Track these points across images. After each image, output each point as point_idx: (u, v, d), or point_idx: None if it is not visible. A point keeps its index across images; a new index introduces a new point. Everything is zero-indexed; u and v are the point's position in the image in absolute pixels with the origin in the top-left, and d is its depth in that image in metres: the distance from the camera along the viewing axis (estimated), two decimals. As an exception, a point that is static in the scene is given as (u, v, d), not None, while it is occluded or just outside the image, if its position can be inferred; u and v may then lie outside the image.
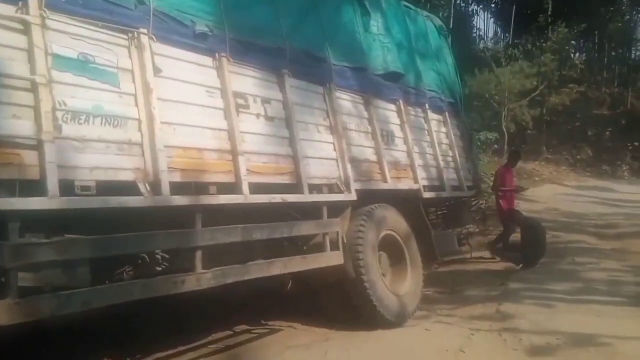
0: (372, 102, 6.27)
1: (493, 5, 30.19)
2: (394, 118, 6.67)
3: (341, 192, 5.47)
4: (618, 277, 7.56)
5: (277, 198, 4.69)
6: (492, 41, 31.10)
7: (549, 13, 26.70)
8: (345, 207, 5.60)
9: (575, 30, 28.38)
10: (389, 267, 6.10)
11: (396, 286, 6.03)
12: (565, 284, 7.20)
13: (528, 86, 25.02)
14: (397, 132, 6.64)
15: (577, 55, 31.09)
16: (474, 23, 32.26)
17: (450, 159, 7.70)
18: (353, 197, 5.56)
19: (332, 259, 5.29)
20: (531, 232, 8.27)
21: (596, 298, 6.56)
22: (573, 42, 29.63)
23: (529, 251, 8.20)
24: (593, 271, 8.01)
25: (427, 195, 6.81)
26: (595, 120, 29.92)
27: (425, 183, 6.90)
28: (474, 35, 30.54)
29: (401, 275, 6.19)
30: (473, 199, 8.26)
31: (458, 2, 30.70)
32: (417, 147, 6.92)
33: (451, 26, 28.55)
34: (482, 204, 8.78)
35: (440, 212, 7.88)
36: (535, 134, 27.99)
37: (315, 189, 5.23)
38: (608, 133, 29.21)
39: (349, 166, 5.60)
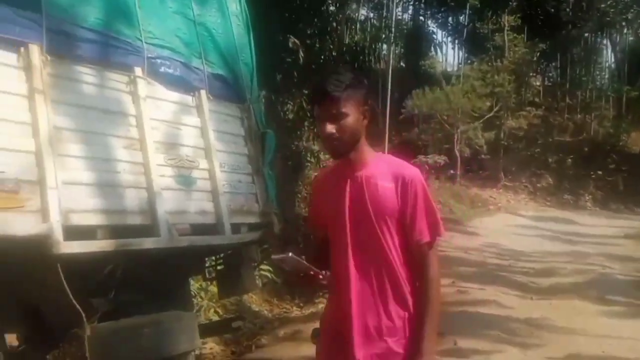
0: None
1: (449, 24, 26.69)
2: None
3: None
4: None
5: None
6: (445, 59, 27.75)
7: (506, 30, 23.21)
8: None
9: (536, 52, 25.06)
10: None
11: None
12: None
13: (480, 106, 21.45)
14: (2, 107, 2.79)
15: (538, 77, 27.59)
16: (435, 41, 28.74)
17: (197, 174, 3.83)
18: None
19: None
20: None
21: None
22: (533, 64, 26.18)
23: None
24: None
25: (75, 246, 2.94)
26: (556, 146, 26.29)
27: (85, 220, 3.06)
28: (431, 53, 27.04)
29: None
30: (260, 246, 4.35)
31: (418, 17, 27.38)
32: (73, 143, 3.10)
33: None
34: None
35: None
36: (491, 159, 24.33)
37: None
38: (570, 160, 25.59)
39: None
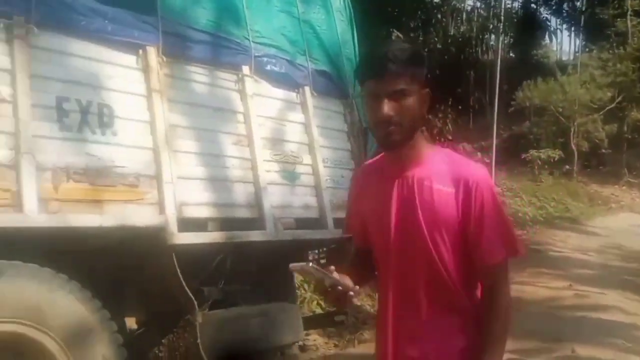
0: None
1: (564, 11, 24.95)
2: (116, 79, 3.04)
3: None
4: None
5: None
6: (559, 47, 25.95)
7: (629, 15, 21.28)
8: None
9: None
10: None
11: None
12: None
13: (600, 96, 19.82)
14: (124, 106, 3.01)
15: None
16: (549, 28, 26.98)
17: (301, 169, 3.88)
18: None
19: None
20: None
21: None
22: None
23: None
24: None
25: (189, 237, 3.09)
26: (687, 140, 23.69)
27: (197, 212, 3.21)
28: (544, 42, 25.46)
29: None
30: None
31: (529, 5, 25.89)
32: (187, 140, 3.26)
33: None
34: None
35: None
36: (612, 154, 22.43)
37: None
38: None
39: None
